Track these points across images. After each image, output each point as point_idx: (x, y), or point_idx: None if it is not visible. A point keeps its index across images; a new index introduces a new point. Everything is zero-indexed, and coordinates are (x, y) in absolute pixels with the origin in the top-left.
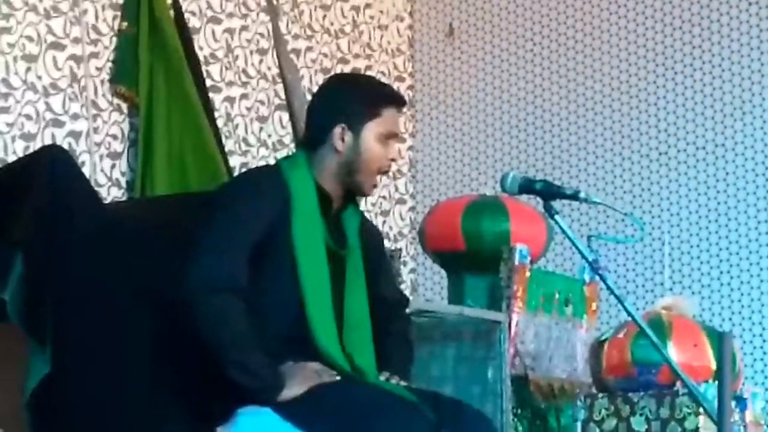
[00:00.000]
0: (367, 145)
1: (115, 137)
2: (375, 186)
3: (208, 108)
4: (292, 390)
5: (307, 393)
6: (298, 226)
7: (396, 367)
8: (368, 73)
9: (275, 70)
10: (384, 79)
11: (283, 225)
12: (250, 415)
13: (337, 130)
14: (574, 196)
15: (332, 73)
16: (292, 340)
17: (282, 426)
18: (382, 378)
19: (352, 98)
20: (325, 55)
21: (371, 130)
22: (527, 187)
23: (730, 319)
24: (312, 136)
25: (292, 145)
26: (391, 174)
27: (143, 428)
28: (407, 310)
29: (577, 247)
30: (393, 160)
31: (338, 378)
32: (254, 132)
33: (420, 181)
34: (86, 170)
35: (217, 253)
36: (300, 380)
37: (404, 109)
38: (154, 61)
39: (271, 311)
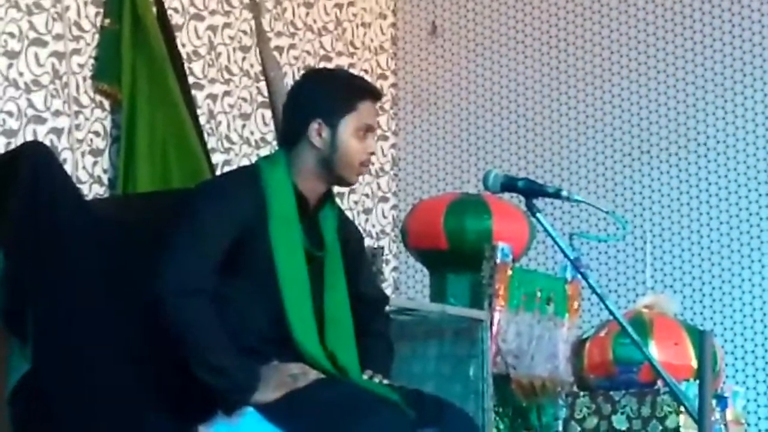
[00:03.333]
0: (344, 140)
1: (97, 134)
2: (359, 176)
3: (191, 105)
4: (266, 394)
5: (288, 392)
6: (275, 227)
7: (377, 365)
8: (351, 70)
9: (258, 68)
10: (367, 77)
11: (260, 227)
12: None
13: (314, 126)
14: (556, 194)
15: None
16: (274, 341)
17: (263, 425)
18: (365, 376)
19: (328, 93)
20: (308, 53)
21: (348, 125)
22: (509, 185)
23: (711, 317)
24: (289, 134)
25: (275, 143)
26: (373, 172)
27: (124, 426)
28: (387, 308)
29: (559, 246)
30: (372, 153)
31: (315, 379)
32: (237, 129)
33: (402, 179)
34: (68, 167)
35: (184, 257)
36: (274, 385)
37: (379, 103)
38: (137, 58)
39: (251, 313)
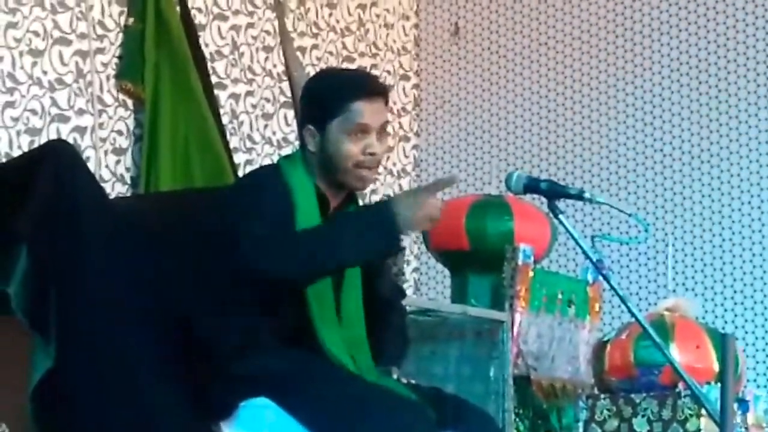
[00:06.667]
0: (333, 143)
1: (120, 133)
2: (362, 179)
3: (214, 105)
4: (413, 216)
5: (310, 389)
6: (300, 225)
7: (389, 356)
8: (374, 71)
9: (281, 68)
10: (389, 78)
11: (289, 223)
12: (252, 408)
13: (307, 131)
14: (579, 196)
15: None
16: (295, 336)
17: (283, 420)
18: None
19: (316, 98)
20: (331, 53)
21: (336, 128)
22: (532, 186)
23: (733, 321)
24: (299, 138)
25: (297, 143)
26: (395, 173)
27: (146, 423)
28: (408, 308)
29: (581, 247)
30: (371, 153)
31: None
32: (259, 129)
33: (424, 180)
34: (91, 166)
35: (264, 235)
36: (412, 208)
37: (380, 97)
38: (160, 58)
39: (274, 309)
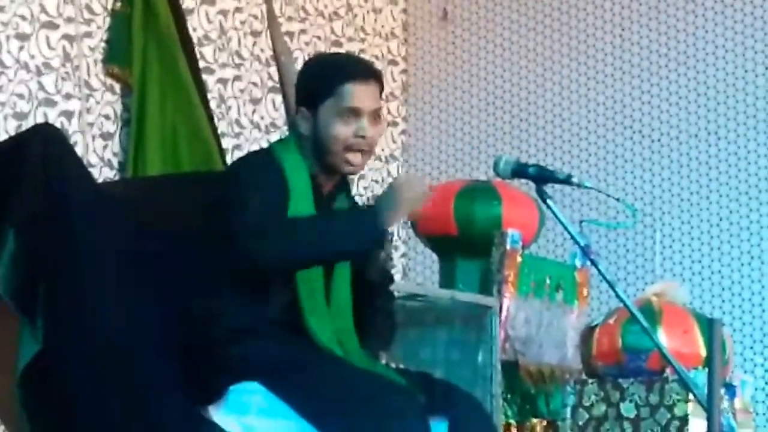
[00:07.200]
0: (324, 125)
1: (107, 117)
2: (351, 163)
3: (201, 89)
4: (396, 214)
5: (300, 374)
6: (294, 210)
7: (377, 340)
8: (361, 56)
9: (268, 52)
10: (377, 63)
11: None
12: (240, 393)
13: (300, 114)
14: (567, 181)
15: None
16: (285, 323)
17: (272, 405)
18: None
19: (309, 80)
20: (319, 38)
21: (327, 109)
22: (520, 171)
23: (720, 306)
24: (287, 123)
25: (285, 128)
26: (383, 158)
27: (135, 407)
28: (395, 292)
29: (569, 232)
30: (362, 136)
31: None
32: (247, 114)
33: (412, 165)
34: (78, 150)
35: (255, 224)
36: (397, 209)
37: (373, 81)
38: (148, 42)
39: (265, 293)
